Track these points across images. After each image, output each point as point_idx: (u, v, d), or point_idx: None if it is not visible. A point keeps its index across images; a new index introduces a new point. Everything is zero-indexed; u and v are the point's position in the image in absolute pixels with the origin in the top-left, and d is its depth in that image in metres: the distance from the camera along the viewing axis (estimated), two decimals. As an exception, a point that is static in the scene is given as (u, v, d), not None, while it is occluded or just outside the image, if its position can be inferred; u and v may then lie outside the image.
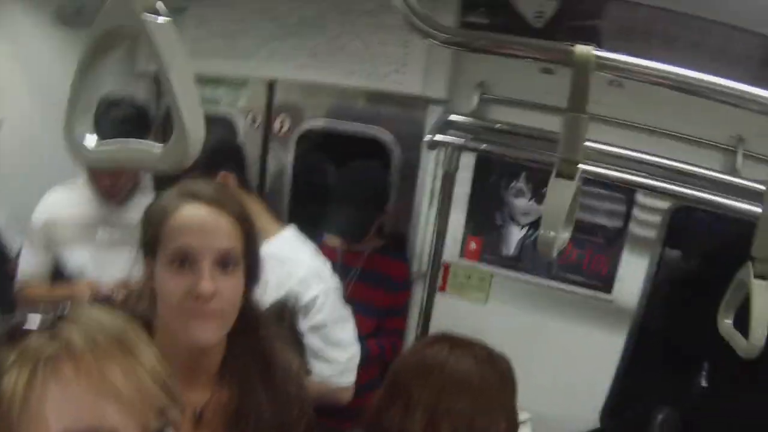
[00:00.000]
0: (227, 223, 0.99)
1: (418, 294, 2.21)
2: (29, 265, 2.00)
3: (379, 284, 2.15)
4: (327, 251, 1.83)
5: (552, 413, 1.93)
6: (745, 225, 1.45)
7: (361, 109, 2.40)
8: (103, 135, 0.71)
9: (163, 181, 1.28)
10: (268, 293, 1.28)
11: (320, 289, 1.61)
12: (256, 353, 1.07)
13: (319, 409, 1.20)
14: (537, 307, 2.20)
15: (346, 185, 2.20)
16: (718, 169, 1.86)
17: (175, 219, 0.98)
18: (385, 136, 2.34)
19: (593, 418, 2.15)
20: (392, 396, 1.04)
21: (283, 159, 2.55)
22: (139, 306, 1.04)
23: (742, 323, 1.11)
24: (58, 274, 2.00)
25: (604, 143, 1.87)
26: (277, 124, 2.53)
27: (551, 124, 1.76)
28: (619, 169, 1.86)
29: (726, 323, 1.22)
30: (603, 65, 0.87)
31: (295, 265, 1.60)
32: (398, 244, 2.32)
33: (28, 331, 0.60)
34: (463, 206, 2.23)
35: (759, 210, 1.41)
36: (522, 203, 2.20)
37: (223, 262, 0.97)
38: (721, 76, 0.88)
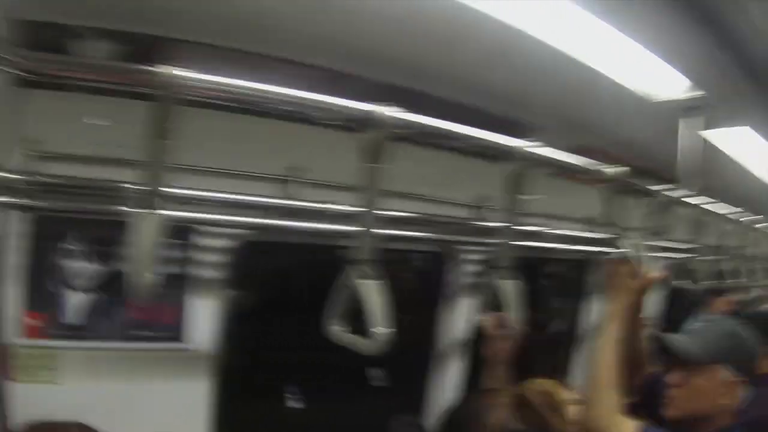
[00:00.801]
0: None
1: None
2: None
3: None
4: None
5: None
6: (307, 248, 1.67)
7: None
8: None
9: None
10: None
11: None
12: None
13: None
14: (115, 373, 2.04)
15: None
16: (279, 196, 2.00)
17: None
18: None
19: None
20: None
21: None
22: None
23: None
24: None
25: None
26: None
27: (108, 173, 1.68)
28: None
29: (338, 329, 1.28)
30: (185, 86, 0.94)
31: None
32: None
33: None
34: (17, 278, 1.94)
35: (319, 226, 1.66)
36: (79, 266, 2.04)
37: None
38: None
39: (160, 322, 2.07)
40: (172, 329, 2.07)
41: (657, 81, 2.53)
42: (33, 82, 1.27)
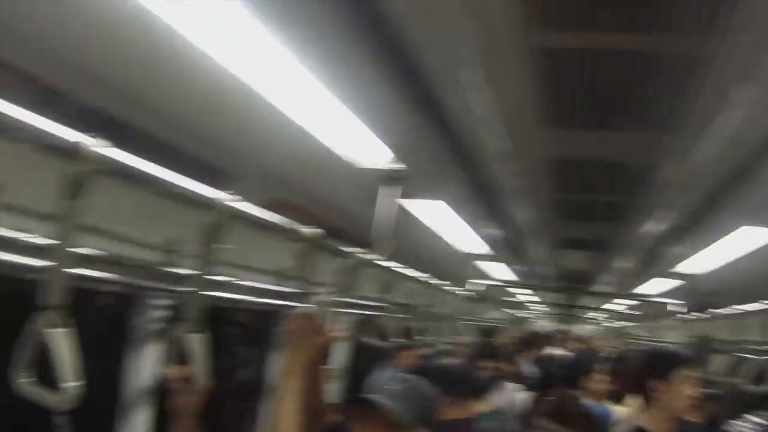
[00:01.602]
0: None
1: None
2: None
3: None
4: None
5: None
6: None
7: None
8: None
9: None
10: None
11: None
12: None
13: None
14: None
15: None
16: None
17: None
18: None
19: None
20: None
21: None
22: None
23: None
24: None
25: None
26: None
27: None
28: None
29: (27, 383, 1.14)
30: None
31: None
32: None
33: None
34: None
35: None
36: None
37: None
38: None
39: None
40: None
41: (362, 148, 2.71)
42: None
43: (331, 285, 2.46)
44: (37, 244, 1.46)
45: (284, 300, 2.73)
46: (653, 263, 5.26)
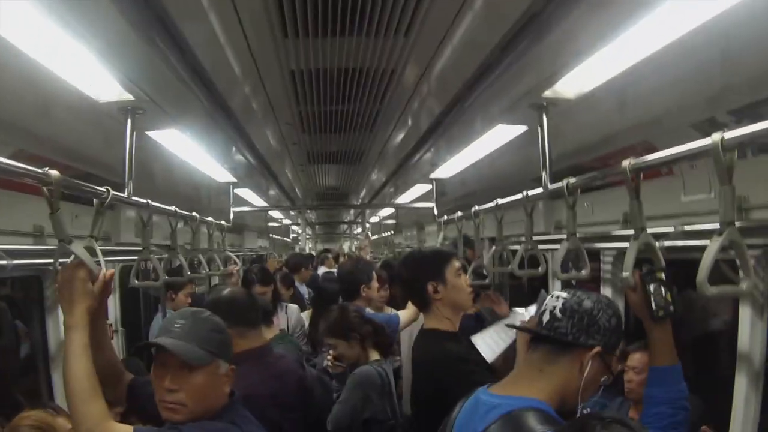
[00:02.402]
0: None
1: None
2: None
3: None
4: None
5: None
6: None
7: None
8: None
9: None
10: None
11: None
12: None
13: None
14: None
15: None
16: None
17: None
18: None
19: None
20: None
21: None
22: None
23: None
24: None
25: None
26: None
27: None
28: None
29: None
30: None
31: None
32: None
33: None
34: None
35: None
36: None
37: None
38: None
39: None
40: None
41: (97, 82, 2.46)
42: None
43: (90, 234, 2.27)
44: None
45: (47, 258, 2.54)
46: (409, 171, 5.44)
